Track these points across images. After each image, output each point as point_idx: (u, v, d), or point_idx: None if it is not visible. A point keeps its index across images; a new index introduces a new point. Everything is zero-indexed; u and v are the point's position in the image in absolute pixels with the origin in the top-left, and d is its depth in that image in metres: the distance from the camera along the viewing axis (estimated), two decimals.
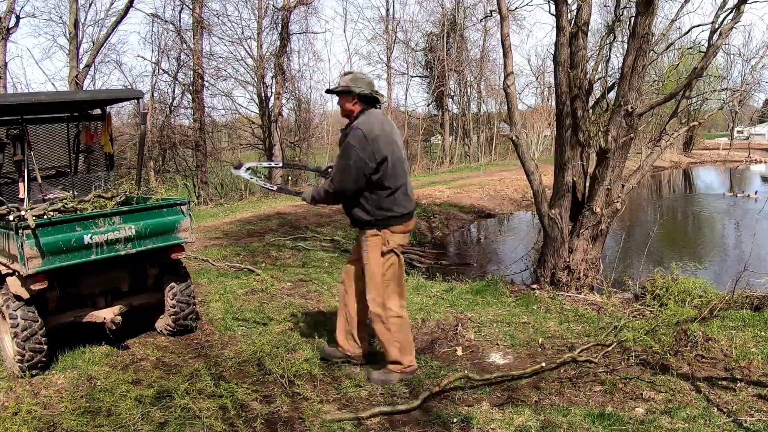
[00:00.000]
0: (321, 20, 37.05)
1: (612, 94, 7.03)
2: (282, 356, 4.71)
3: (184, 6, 20.58)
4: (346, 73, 4.14)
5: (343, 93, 4.02)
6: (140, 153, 5.99)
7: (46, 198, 5.31)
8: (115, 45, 42.16)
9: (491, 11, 14.34)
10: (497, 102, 33.69)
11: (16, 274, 4.29)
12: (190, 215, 4.94)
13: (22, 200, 5.11)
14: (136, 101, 5.57)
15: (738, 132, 50.48)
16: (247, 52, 22.12)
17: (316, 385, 4.18)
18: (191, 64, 20.85)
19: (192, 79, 21.08)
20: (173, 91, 21.42)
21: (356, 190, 3.93)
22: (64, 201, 4.76)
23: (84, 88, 17.10)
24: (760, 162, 37.52)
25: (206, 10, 21.35)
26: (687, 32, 8.31)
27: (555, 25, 6.77)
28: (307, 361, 4.61)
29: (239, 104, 23.54)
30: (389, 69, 29.39)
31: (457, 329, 5.18)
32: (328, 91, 4.17)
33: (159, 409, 3.83)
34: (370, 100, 4.02)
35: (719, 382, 3.98)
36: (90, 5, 20.10)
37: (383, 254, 4.04)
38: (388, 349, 4.16)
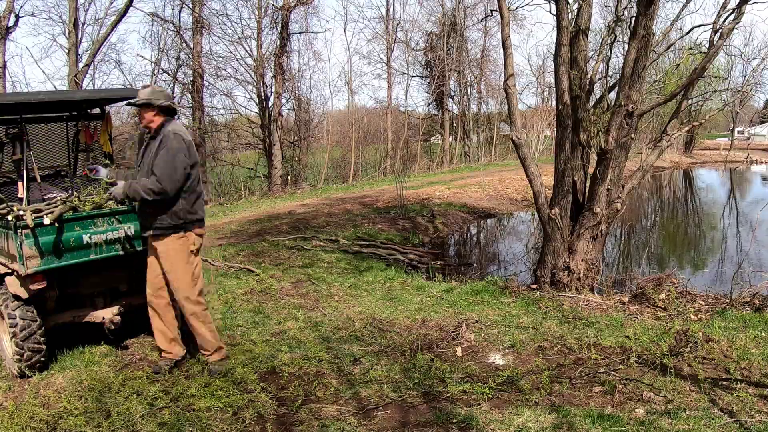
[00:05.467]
0: (321, 20, 37.07)
1: (612, 95, 7.02)
2: (281, 356, 4.70)
3: (184, 5, 20.59)
4: (144, 87, 4.38)
5: (144, 105, 4.26)
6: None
7: (45, 198, 5.30)
8: (115, 44, 42.23)
9: (491, 11, 14.32)
10: (497, 102, 33.70)
11: (15, 273, 4.28)
12: None
13: (21, 200, 5.10)
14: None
15: (738, 132, 50.47)
16: (246, 51, 22.15)
17: (315, 384, 4.17)
18: (191, 63, 20.87)
19: (192, 78, 21.09)
20: (173, 91, 21.39)
21: (176, 193, 4.12)
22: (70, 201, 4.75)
23: (83, 88, 17.09)
24: (761, 162, 37.50)
25: (206, 10, 21.38)
26: (688, 32, 8.30)
27: (556, 25, 6.76)
28: (307, 360, 4.61)
29: (239, 104, 23.57)
30: (389, 69, 29.40)
31: (457, 330, 5.17)
32: (129, 104, 4.43)
33: (159, 409, 3.83)
34: (170, 112, 4.32)
35: (720, 383, 3.97)
36: (90, 4, 20.22)
37: (192, 253, 4.30)
38: (208, 337, 4.42)
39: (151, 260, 4.38)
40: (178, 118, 4.42)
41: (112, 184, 4.47)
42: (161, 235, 4.22)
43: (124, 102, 4.34)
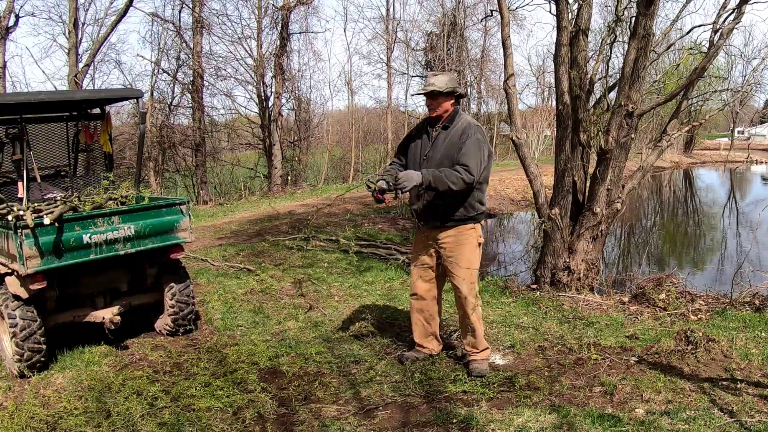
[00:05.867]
0: (321, 20, 37.07)
1: (613, 95, 7.01)
2: (281, 356, 4.70)
3: (184, 5, 20.58)
4: (437, 74, 4.18)
5: (449, 94, 4.09)
6: (139, 153, 5.98)
7: (45, 198, 5.30)
8: (115, 44, 42.24)
9: (491, 11, 14.32)
10: (497, 102, 33.69)
11: (15, 273, 4.28)
12: (189, 215, 4.93)
13: (21, 200, 5.10)
14: (135, 101, 5.56)
15: (739, 132, 50.46)
16: (246, 51, 22.15)
17: (315, 384, 4.17)
18: (191, 63, 20.86)
19: (191, 78, 21.08)
20: (173, 91, 21.43)
21: (476, 183, 4.04)
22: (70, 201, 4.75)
23: (83, 88, 17.09)
24: (761, 162, 37.50)
25: (206, 10, 21.38)
26: (688, 32, 8.31)
27: (556, 25, 6.76)
28: (307, 360, 4.61)
29: (239, 104, 23.56)
30: (389, 69, 29.39)
31: (456, 329, 5.16)
32: (432, 94, 4.09)
33: (159, 409, 3.83)
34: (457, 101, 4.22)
35: (720, 383, 3.97)
36: (90, 4, 20.24)
37: (479, 245, 4.32)
38: (480, 335, 4.36)
39: (427, 249, 4.33)
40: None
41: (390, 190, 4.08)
42: (457, 225, 4.16)
43: (423, 92, 4.05)
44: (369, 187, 4.07)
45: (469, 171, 3.93)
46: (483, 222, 4.35)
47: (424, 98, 4.21)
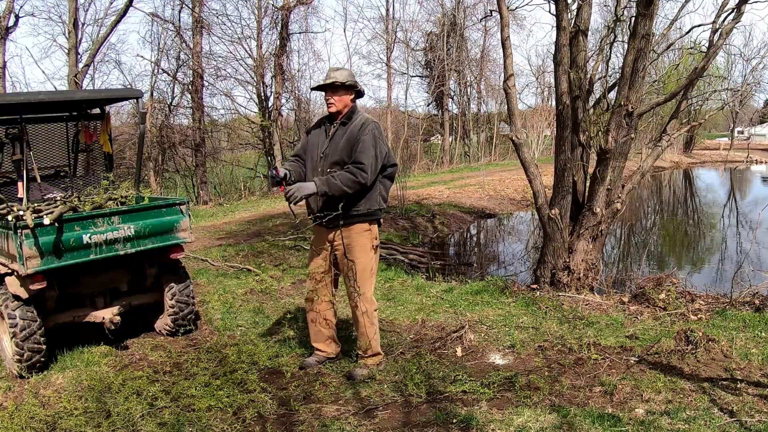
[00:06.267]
0: (321, 20, 37.01)
1: (612, 94, 7.01)
2: (281, 356, 4.70)
3: (184, 5, 20.58)
4: (337, 69, 4.15)
5: (350, 87, 4.08)
6: (139, 153, 5.99)
7: (45, 198, 5.30)
8: (115, 44, 42.27)
9: (491, 11, 14.32)
10: (497, 102, 33.72)
11: (15, 273, 4.28)
12: (189, 215, 4.93)
13: (21, 200, 5.10)
14: (135, 101, 5.56)
15: (738, 132, 50.48)
16: (246, 51, 22.14)
17: (316, 384, 4.17)
18: (191, 63, 20.85)
19: (191, 78, 21.07)
20: (173, 91, 21.44)
21: (371, 182, 4.00)
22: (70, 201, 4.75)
23: (83, 88, 17.09)
24: (761, 162, 37.51)
25: (206, 10, 21.37)
26: (687, 32, 8.29)
27: (555, 25, 6.76)
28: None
29: (239, 104, 23.56)
30: (389, 69, 29.38)
31: (456, 330, 5.17)
32: (334, 86, 4.05)
33: (158, 409, 3.83)
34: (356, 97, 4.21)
35: (720, 383, 3.97)
36: (89, 4, 20.26)
37: (373, 248, 4.16)
38: (372, 341, 4.26)
39: (323, 252, 4.21)
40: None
41: (288, 183, 4.03)
42: (350, 225, 4.06)
43: (325, 83, 3.99)
44: (269, 173, 4.06)
45: (364, 169, 3.88)
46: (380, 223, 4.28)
47: (324, 93, 4.12)
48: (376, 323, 4.29)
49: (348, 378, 4.20)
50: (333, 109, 4.08)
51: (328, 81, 4.01)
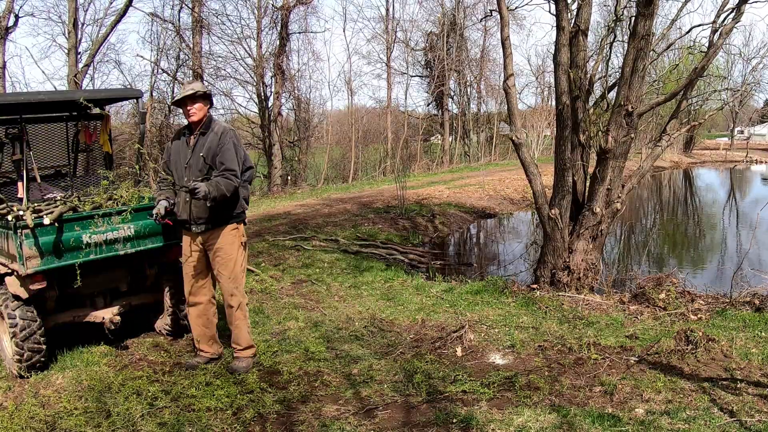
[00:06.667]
0: (320, 20, 36.94)
1: (612, 94, 7.01)
2: (281, 355, 4.70)
3: (184, 5, 20.58)
4: (192, 81, 4.36)
5: (205, 97, 4.29)
6: (139, 153, 5.98)
7: (45, 198, 5.30)
8: (114, 44, 42.20)
9: (491, 11, 14.31)
10: (497, 102, 33.70)
11: (15, 273, 4.28)
12: None
13: (21, 200, 5.09)
14: (135, 101, 5.56)
15: (738, 132, 50.49)
16: (246, 51, 22.16)
17: (316, 384, 4.17)
18: (190, 63, 20.86)
19: (191, 78, 21.07)
20: (172, 91, 21.41)
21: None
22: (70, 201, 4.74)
23: (83, 88, 17.09)
24: (761, 162, 37.54)
25: (205, 10, 21.38)
26: (687, 32, 8.30)
27: (555, 24, 6.76)
28: (307, 360, 4.61)
29: (238, 104, 23.58)
30: (389, 68, 29.39)
31: (456, 330, 5.17)
32: (191, 96, 4.21)
33: (159, 409, 3.82)
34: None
35: (720, 383, 3.97)
36: (89, 4, 20.25)
37: (242, 245, 4.38)
38: (246, 333, 4.47)
39: (195, 255, 4.36)
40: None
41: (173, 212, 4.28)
42: (218, 225, 4.24)
43: (180, 98, 4.19)
44: (155, 215, 4.22)
45: (236, 175, 4.12)
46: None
47: (181, 107, 4.30)
48: (248, 316, 4.52)
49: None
50: (195, 119, 4.25)
51: (188, 92, 4.20)
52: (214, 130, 4.23)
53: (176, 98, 4.32)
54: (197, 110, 4.22)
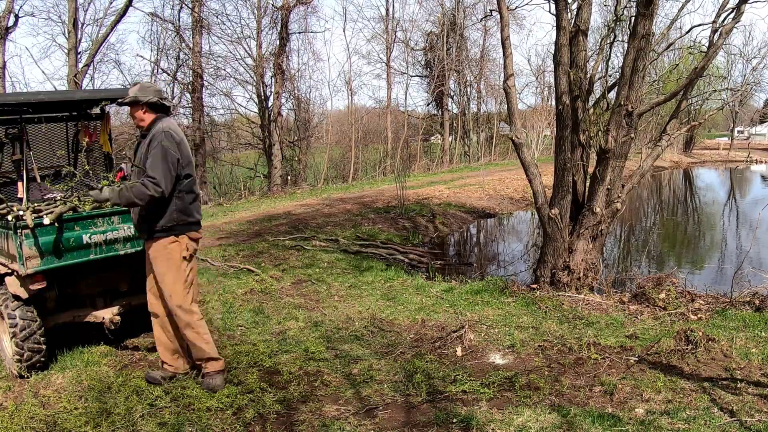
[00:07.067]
0: (320, 19, 36.95)
1: (612, 94, 7.02)
2: (282, 356, 4.70)
3: (184, 5, 20.58)
4: (133, 84, 4.23)
5: (132, 104, 4.08)
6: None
7: (45, 198, 5.30)
8: (114, 44, 42.15)
9: (491, 11, 14.33)
10: (497, 102, 33.70)
11: (15, 273, 4.28)
12: None
13: (21, 200, 5.10)
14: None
15: (738, 132, 50.48)
16: (246, 51, 22.17)
17: (316, 384, 4.17)
18: (190, 63, 20.85)
19: (191, 78, 21.08)
20: (172, 91, 21.40)
21: (168, 194, 3.92)
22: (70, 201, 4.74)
23: (83, 88, 17.09)
24: (761, 162, 37.54)
25: (205, 10, 21.37)
26: (687, 32, 8.31)
27: (555, 24, 6.76)
28: (307, 360, 4.61)
29: (238, 104, 23.58)
30: (389, 68, 29.39)
31: (456, 329, 5.17)
32: (119, 104, 4.20)
33: (159, 409, 3.82)
34: (161, 108, 4.12)
35: (720, 383, 3.97)
36: (89, 4, 20.26)
37: (185, 259, 4.06)
38: (205, 349, 4.11)
39: (148, 265, 4.19)
40: (174, 115, 4.41)
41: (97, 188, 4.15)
42: (152, 237, 4.03)
43: (114, 102, 4.15)
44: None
45: (157, 183, 3.84)
46: (197, 233, 4.17)
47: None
48: (203, 329, 4.14)
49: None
50: (137, 123, 4.16)
51: (125, 100, 4.11)
52: (152, 132, 4.01)
53: (120, 103, 4.27)
54: (135, 117, 4.11)
